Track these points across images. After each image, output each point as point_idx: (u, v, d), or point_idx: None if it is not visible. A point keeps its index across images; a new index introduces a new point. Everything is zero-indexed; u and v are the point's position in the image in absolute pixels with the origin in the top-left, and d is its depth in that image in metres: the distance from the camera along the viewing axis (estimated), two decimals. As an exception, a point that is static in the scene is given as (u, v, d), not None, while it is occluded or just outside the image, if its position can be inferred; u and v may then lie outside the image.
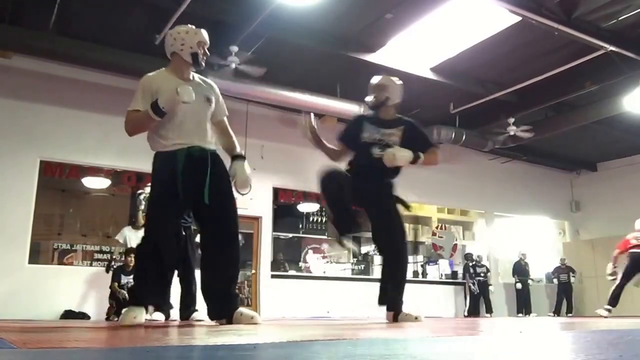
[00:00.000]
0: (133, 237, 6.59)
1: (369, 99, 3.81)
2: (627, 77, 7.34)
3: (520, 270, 11.24)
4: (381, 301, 3.76)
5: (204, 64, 3.20)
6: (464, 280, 10.78)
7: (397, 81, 3.86)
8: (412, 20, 6.62)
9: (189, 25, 3.25)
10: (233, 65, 6.79)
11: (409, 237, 11.09)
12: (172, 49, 3.18)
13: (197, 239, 5.32)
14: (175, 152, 3.04)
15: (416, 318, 3.59)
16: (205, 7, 6.19)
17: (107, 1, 6.55)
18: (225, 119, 3.39)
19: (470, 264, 10.74)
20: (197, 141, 3.09)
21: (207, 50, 3.23)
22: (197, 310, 4.99)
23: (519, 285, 11.13)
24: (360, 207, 3.81)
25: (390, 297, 3.69)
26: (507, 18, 6.36)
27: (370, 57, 7.27)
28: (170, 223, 3.17)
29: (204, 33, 3.22)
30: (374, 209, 3.78)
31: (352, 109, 8.22)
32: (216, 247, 3.14)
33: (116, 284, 6.57)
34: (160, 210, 3.09)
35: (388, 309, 3.69)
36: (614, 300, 7.84)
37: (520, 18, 6.23)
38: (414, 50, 7.35)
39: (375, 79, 3.84)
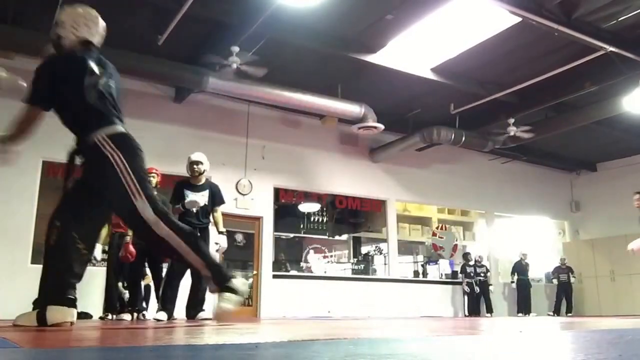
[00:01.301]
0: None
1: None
2: (626, 77, 7.34)
3: (520, 269, 11.26)
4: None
5: None
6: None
7: (78, 9, 2.99)
8: (413, 21, 6.63)
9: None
10: (234, 66, 6.80)
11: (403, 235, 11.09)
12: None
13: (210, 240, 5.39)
14: None
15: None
16: (206, 8, 6.20)
17: (109, 2, 6.55)
18: None
19: (469, 264, 10.75)
20: None
21: None
22: (203, 310, 5.03)
23: (513, 285, 11.21)
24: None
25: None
26: (507, 19, 6.36)
27: (371, 58, 7.27)
28: None
29: None
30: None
31: (353, 109, 8.24)
32: None
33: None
34: None
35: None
36: None
37: (520, 19, 6.23)
38: (415, 51, 7.35)
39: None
